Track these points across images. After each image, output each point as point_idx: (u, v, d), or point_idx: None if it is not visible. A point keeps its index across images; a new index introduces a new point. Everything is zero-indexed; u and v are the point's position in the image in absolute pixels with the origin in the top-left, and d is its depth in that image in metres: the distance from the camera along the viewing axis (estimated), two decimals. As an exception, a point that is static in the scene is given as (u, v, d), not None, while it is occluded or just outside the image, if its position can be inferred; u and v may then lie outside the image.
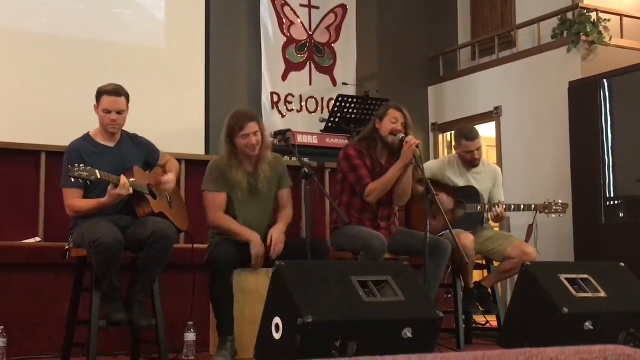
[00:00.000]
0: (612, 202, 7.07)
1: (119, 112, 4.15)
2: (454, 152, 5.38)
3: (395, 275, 3.65)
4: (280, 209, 4.50)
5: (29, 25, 7.17)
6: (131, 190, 3.93)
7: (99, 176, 3.82)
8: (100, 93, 4.16)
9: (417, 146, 4.47)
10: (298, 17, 8.61)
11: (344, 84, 8.34)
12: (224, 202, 4.34)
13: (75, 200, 4.03)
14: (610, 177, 7.07)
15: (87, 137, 4.20)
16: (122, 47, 7.53)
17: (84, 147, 4.13)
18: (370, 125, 4.81)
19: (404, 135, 4.58)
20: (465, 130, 5.27)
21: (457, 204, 5.13)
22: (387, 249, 4.43)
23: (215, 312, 4.23)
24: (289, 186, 4.55)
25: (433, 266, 4.39)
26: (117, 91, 4.16)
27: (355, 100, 6.70)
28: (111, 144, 4.21)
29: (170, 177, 4.30)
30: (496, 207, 5.06)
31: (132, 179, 4.05)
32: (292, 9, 8.57)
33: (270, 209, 4.49)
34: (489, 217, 5.17)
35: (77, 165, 3.79)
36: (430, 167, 5.29)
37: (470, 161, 5.17)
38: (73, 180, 3.82)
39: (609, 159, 7.09)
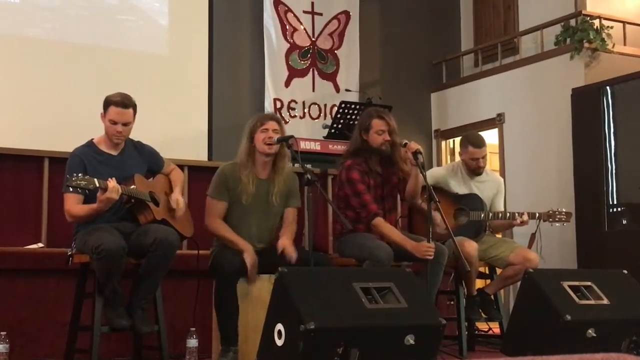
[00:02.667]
0: (615, 209, 7.06)
1: (125, 124, 4.15)
2: (457, 159, 5.37)
3: (397, 282, 3.64)
4: (285, 225, 4.48)
5: (33, 31, 7.19)
6: (120, 191, 3.92)
7: (97, 185, 3.83)
8: (108, 103, 4.14)
9: (419, 152, 4.46)
10: (301, 23, 8.62)
11: (347, 90, 8.35)
12: (223, 211, 4.36)
13: (73, 206, 4.04)
14: (613, 184, 7.06)
15: (90, 145, 4.21)
16: (126, 53, 7.54)
17: (87, 155, 4.13)
18: (357, 137, 4.74)
19: (407, 141, 4.57)
20: (472, 137, 5.26)
21: (460, 211, 5.13)
22: (392, 259, 4.43)
23: (219, 323, 4.22)
24: (297, 206, 4.55)
25: (430, 271, 4.39)
26: (125, 103, 4.14)
27: (358, 106, 6.71)
28: (114, 152, 4.21)
29: (177, 199, 4.31)
30: (521, 216, 5.06)
31: (133, 187, 4.06)
32: (295, 15, 8.58)
33: (276, 224, 4.49)
34: (518, 222, 5.12)
35: (75, 174, 3.80)
36: (433, 174, 5.29)
37: (474, 169, 5.17)
38: (72, 189, 3.83)
39: (611, 166, 7.09)
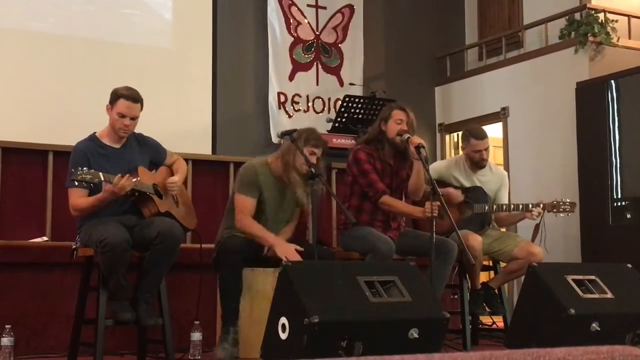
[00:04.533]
0: (619, 203, 7.06)
1: (133, 118, 4.16)
2: (460, 152, 5.37)
3: (401, 276, 3.65)
4: (286, 222, 4.55)
5: (36, 25, 7.19)
6: (128, 188, 3.93)
7: (102, 178, 3.83)
8: (117, 96, 4.14)
9: (422, 146, 4.46)
10: (305, 17, 8.61)
11: (351, 84, 8.34)
12: (253, 207, 4.36)
13: (78, 200, 4.04)
14: (617, 178, 7.06)
15: (93, 138, 4.21)
16: (130, 47, 7.55)
17: (90, 148, 4.13)
18: (376, 127, 4.80)
19: (409, 135, 4.58)
20: (473, 129, 5.28)
21: (464, 204, 5.12)
22: (394, 252, 4.44)
23: (221, 301, 4.23)
24: (302, 205, 4.57)
25: (439, 267, 4.39)
26: (135, 97, 4.15)
27: (362, 100, 6.71)
28: (117, 145, 4.21)
29: (175, 179, 4.29)
30: (536, 207, 5.02)
31: (136, 179, 4.06)
32: (299, 9, 8.57)
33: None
34: (533, 216, 5.08)
35: (80, 168, 3.80)
36: (437, 167, 5.29)
37: (477, 161, 5.16)
38: (77, 183, 3.84)
39: (616, 160, 7.08)
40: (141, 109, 4.20)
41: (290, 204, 4.47)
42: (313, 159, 4.32)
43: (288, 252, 4.16)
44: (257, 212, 4.39)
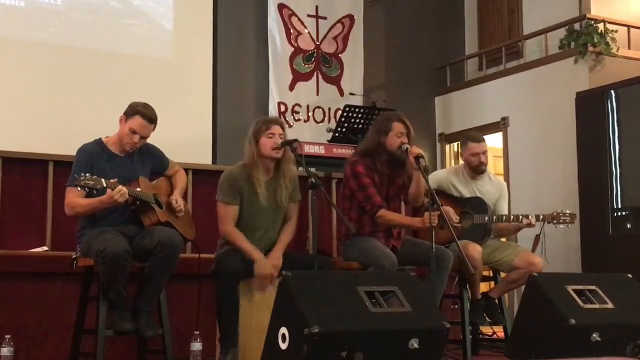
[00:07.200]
0: (619, 213, 7.06)
1: (143, 137, 4.17)
2: (460, 162, 5.38)
3: (402, 286, 3.64)
4: (285, 221, 4.51)
5: (37, 35, 7.21)
6: (127, 196, 3.94)
7: (104, 185, 3.84)
8: (135, 112, 4.15)
9: (421, 156, 4.46)
10: (305, 27, 8.64)
11: (351, 94, 8.36)
12: (236, 215, 4.35)
13: (75, 199, 4.04)
14: (617, 188, 7.06)
15: (100, 143, 4.22)
16: (131, 57, 7.56)
17: (95, 152, 4.15)
18: (373, 139, 4.71)
19: (408, 146, 4.58)
20: (470, 134, 5.33)
21: (464, 214, 5.12)
22: (397, 268, 4.43)
23: (219, 324, 4.23)
24: (297, 200, 4.55)
25: (435, 276, 4.39)
26: (151, 118, 4.16)
27: (362, 110, 6.72)
28: (121, 153, 4.22)
29: (177, 198, 4.30)
30: (526, 218, 5.04)
31: (138, 189, 4.07)
32: (299, 19, 8.60)
33: (282, 220, 4.50)
34: (524, 224, 5.10)
35: (83, 174, 3.81)
36: (436, 176, 5.29)
37: (476, 166, 5.15)
38: (79, 189, 3.84)
39: (616, 170, 7.08)
40: (153, 129, 4.20)
41: (285, 206, 4.45)
42: (276, 139, 4.31)
43: (265, 270, 4.20)
44: (249, 218, 4.37)
